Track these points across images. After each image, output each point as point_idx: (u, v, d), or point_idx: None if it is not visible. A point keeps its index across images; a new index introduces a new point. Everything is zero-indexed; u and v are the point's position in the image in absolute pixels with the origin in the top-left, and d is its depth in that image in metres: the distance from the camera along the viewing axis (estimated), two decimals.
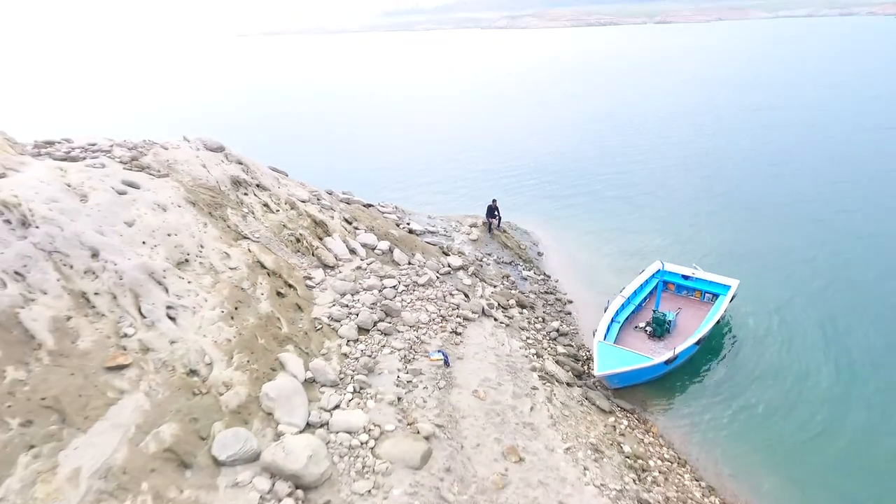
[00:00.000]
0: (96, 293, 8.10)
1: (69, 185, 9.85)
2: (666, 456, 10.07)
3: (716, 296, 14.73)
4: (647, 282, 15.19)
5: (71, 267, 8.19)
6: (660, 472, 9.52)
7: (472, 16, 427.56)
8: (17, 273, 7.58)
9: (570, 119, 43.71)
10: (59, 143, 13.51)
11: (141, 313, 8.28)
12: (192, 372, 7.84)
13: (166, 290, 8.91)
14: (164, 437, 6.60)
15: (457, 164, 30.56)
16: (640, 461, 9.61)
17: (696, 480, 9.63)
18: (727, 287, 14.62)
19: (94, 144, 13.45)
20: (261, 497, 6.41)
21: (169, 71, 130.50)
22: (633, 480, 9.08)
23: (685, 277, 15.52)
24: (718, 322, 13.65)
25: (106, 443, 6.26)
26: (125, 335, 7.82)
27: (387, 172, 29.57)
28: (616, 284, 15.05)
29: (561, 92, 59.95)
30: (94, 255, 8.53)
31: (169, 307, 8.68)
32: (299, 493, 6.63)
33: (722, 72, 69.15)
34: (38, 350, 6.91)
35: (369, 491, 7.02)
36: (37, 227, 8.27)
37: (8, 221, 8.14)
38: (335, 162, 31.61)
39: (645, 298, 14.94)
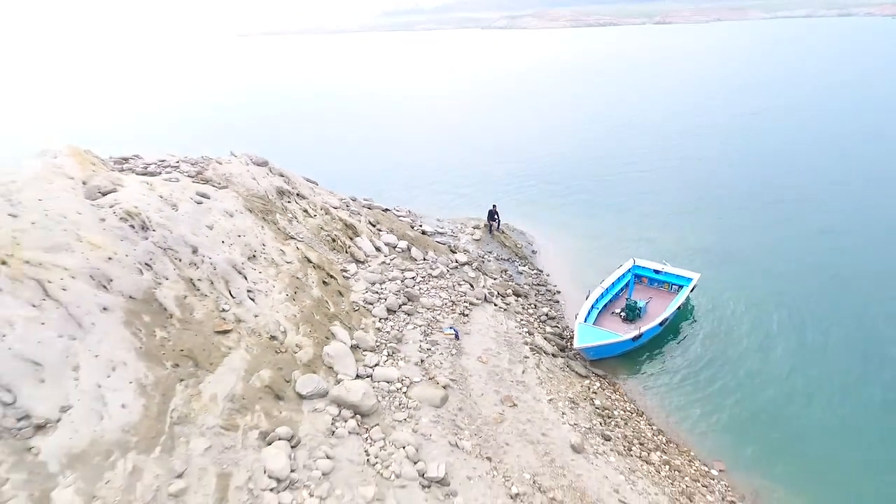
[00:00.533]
0: (199, 279, 10.96)
1: (162, 197, 12.68)
2: (627, 408, 12.95)
3: (681, 287, 17.60)
4: (623, 276, 18.04)
5: (180, 260, 11.04)
6: (621, 418, 12.39)
7: (472, 15, 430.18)
8: (146, 264, 10.43)
9: (566, 122, 46.56)
10: (131, 159, 16.39)
11: (231, 294, 11.15)
12: (273, 337, 10.69)
13: (245, 278, 11.77)
14: (264, 378, 9.46)
15: (459, 169, 33.38)
16: (606, 411, 12.49)
17: (650, 425, 12.51)
18: (689, 279, 17.50)
19: (163, 161, 16.30)
20: (332, 418, 9.27)
21: (171, 71, 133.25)
22: (600, 423, 11.96)
23: (656, 272, 18.37)
24: (680, 308, 16.53)
25: (227, 380, 9.12)
26: (223, 310, 10.67)
27: (391, 174, 32.36)
28: (597, 277, 17.91)
29: (558, 94, 62.77)
30: (194, 251, 11.40)
31: (248, 291, 11.54)
32: (358, 417, 9.49)
33: (715, 74, 71.95)
34: (171, 318, 9.77)
35: (405, 419, 9.88)
36: (153, 231, 11.11)
37: (132, 226, 10.99)
38: (341, 164, 34.35)
39: (621, 289, 17.79)
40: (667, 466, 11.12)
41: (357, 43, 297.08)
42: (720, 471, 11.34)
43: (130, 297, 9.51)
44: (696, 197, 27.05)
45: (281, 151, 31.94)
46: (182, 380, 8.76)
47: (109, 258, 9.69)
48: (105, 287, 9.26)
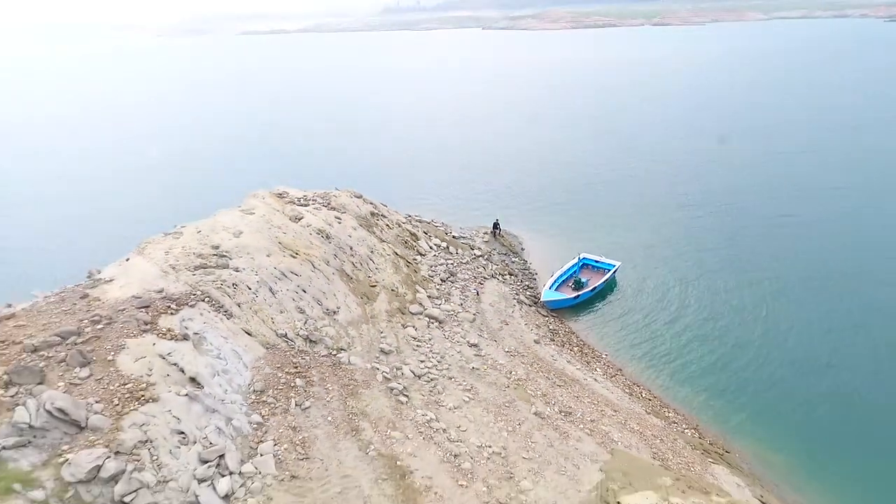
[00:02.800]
0: (357, 263, 23.10)
1: (325, 220, 24.87)
2: (566, 330, 25.11)
3: (608, 270, 29.68)
4: (575, 263, 30.12)
5: (345, 253, 23.18)
6: (562, 334, 24.54)
7: (473, 14, 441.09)
8: (334, 255, 22.54)
9: (558, 133, 58.47)
10: (285, 193, 28.46)
11: (370, 269, 23.31)
12: (393, 289, 22.85)
13: (372, 261, 23.95)
14: (394, 305, 21.62)
15: (470, 184, 45.36)
16: (553, 331, 24.66)
17: (577, 337, 24.64)
18: (614, 265, 29.60)
19: (305, 195, 28.40)
20: (427, 322, 21.43)
21: (176, 70, 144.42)
22: (550, 336, 24.11)
23: (596, 261, 30.46)
24: (607, 282, 28.65)
25: (381, 306, 21.24)
26: (369, 276, 22.81)
27: (397, 178, 44.26)
28: (560, 264, 29.97)
29: (553, 99, 74.55)
30: (350, 248, 23.56)
31: (378, 268, 23.71)
32: (437, 322, 21.65)
33: (707, 77, 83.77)
34: (352, 280, 21.92)
35: (457, 325, 22.05)
36: (332, 239, 23.27)
37: (321, 236, 23.12)
38: (353, 168, 46.22)
39: (574, 271, 29.87)
40: (580, 352, 23.28)
41: (359, 42, 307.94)
42: (606, 355, 23.45)
43: (334, 269, 21.72)
44: (631, 205, 39.14)
45: (289, 153, 43.55)
46: (366, 303, 20.94)
47: (325, 252, 21.90)
48: (327, 264, 21.46)
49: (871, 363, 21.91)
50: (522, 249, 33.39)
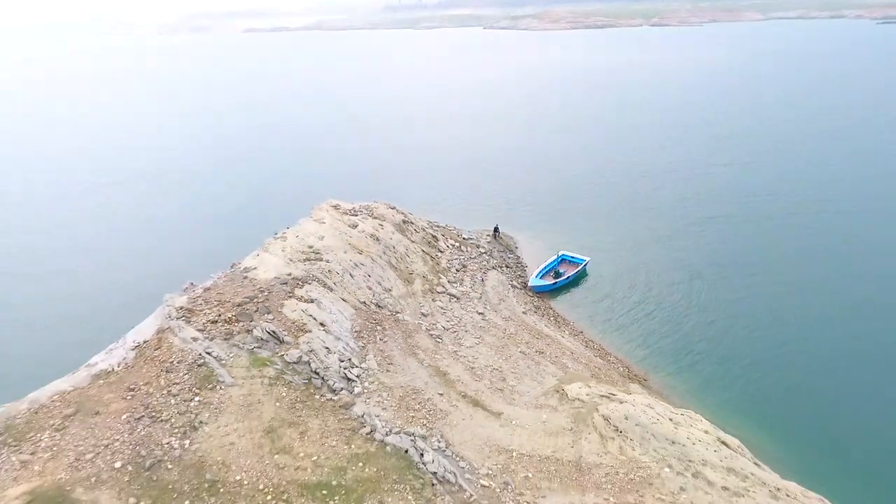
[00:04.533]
0: (400, 257, 33.50)
1: (373, 227, 35.30)
2: (544, 306, 35.53)
3: (581, 263, 40.05)
4: (556, 258, 40.51)
5: (390, 251, 33.57)
6: (543, 309, 34.95)
7: (474, 12, 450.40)
8: (384, 253, 32.90)
9: (555, 141, 68.69)
10: (338, 205, 38.89)
11: (407, 262, 33.71)
12: (423, 277, 33.23)
13: (409, 258, 34.34)
14: (426, 288, 32.03)
15: (474, 191, 55.61)
16: (539, 310, 35.07)
17: (556, 312, 35.07)
18: (584, 259, 40.03)
19: (353, 207, 38.78)
20: (448, 298, 31.83)
21: (183, 69, 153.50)
22: (534, 310, 34.51)
23: (572, 257, 40.86)
24: (578, 273, 39.05)
25: (417, 287, 31.65)
26: (407, 267, 33.21)
27: (419, 188, 54.50)
28: (545, 259, 40.30)
29: (549, 104, 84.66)
30: (394, 247, 33.96)
31: (412, 261, 34.10)
32: (455, 298, 32.06)
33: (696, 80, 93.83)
34: (397, 269, 32.30)
35: (470, 300, 32.45)
36: (380, 240, 33.64)
37: (373, 238, 33.47)
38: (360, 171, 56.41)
39: (555, 265, 40.23)
40: (554, 320, 33.68)
41: (364, 42, 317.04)
42: (572, 322, 33.82)
43: (385, 262, 32.15)
44: (604, 211, 49.43)
45: (292, 155, 53.58)
46: (408, 285, 31.35)
47: (377, 249, 32.36)
48: (380, 258, 31.89)
49: (765, 315, 32.30)
50: (516, 248, 43.78)
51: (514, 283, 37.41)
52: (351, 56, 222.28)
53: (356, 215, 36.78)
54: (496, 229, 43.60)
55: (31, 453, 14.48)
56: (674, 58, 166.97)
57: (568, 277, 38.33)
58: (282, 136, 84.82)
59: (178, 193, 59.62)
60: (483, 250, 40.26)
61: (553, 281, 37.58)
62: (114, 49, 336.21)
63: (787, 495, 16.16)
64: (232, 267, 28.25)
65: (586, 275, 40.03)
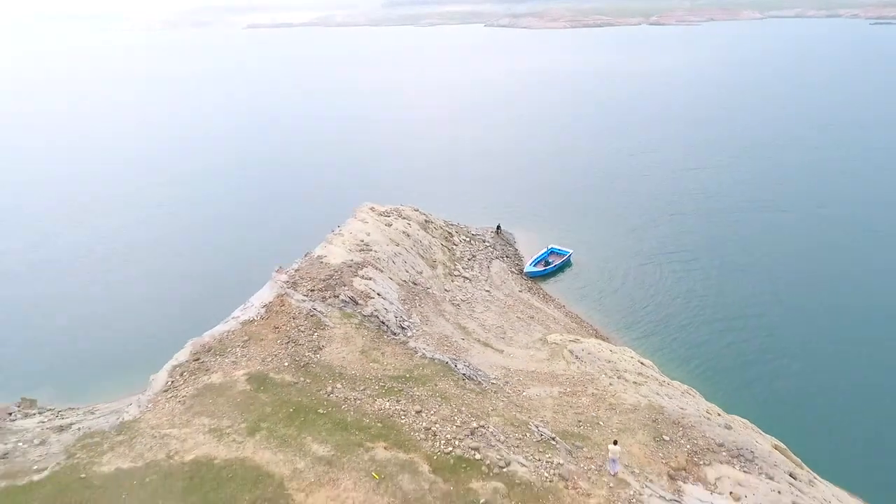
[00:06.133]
0: (425, 247, 44.62)
1: (403, 225, 46.44)
2: (540, 291, 46.70)
3: (566, 255, 51.20)
4: (546, 251, 51.64)
5: (417, 245, 44.68)
6: (535, 289, 46.13)
7: (475, 9, 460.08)
8: (414, 246, 43.99)
9: (546, 147, 79.60)
10: (374, 207, 50.11)
11: (431, 254, 44.85)
12: (443, 264, 44.36)
13: (431, 249, 45.48)
14: (446, 272, 43.19)
15: (479, 195, 66.58)
16: (532, 290, 46.23)
17: (545, 292, 46.22)
18: (568, 252, 51.21)
19: (386, 210, 49.94)
20: (463, 280, 42.98)
21: (187, 65, 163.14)
22: (529, 290, 45.68)
23: (559, 249, 52.03)
24: (563, 262, 50.22)
25: (440, 272, 42.83)
26: (431, 256, 44.33)
27: (436, 191, 65.44)
28: (537, 252, 51.38)
29: (546, 107, 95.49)
30: (420, 241, 45.09)
31: (434, 252, 45.23)
32: (469, 279, 43.23)
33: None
34: (424, 259, 43.41)
35: (479, 283, 43.60)
36: (410, 235, 44.75)
37: (403, 234, 44.56)
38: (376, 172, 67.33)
39: (545, 256, 51.35)
40: (543, 297, 44.84)
41: (367, 38, 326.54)
42: (556, 299, 44.98)
43: (415, 253, 43.33)
44: (589, 210, 60.47)
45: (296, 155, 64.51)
46: (432, 270, 42.49)
47: (409, 243, 43.55)
48: (412, 249, 43.04)
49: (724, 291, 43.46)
50: (515, 242, 54.95)
51: (513, 269, 48.58)
52: (365, 58, 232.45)
53: (389, 216, 47.86)
54: (498, 227, 54.71)
55: (234, 360, 25.47)
56: (668, 60, 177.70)
57: (555, 266, 49.49)
58: (314, 142, 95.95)
59: (235, 194, 70.76)
60: (488, 244, 51.40)
61: (543, 268, 48.73)
62: (124, 46, 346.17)
63: (671, 386, 27.23)
64: (306, 255, 39.30)
65: (570, 264, 51.15)
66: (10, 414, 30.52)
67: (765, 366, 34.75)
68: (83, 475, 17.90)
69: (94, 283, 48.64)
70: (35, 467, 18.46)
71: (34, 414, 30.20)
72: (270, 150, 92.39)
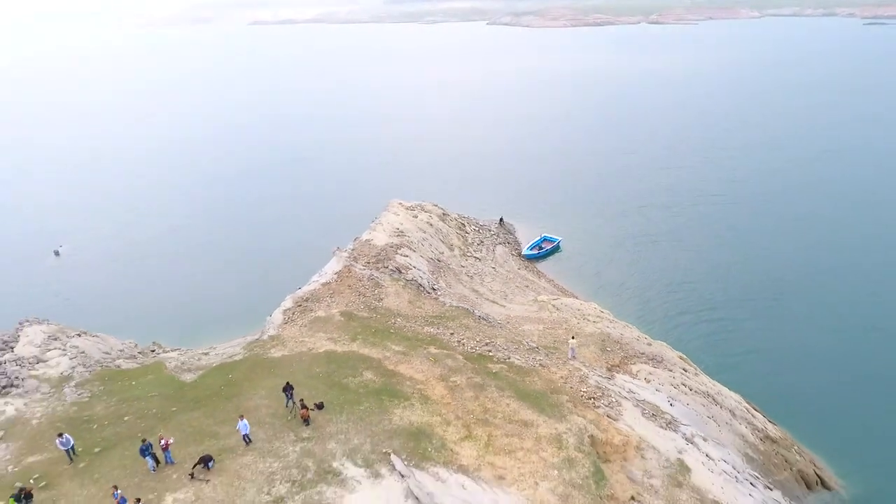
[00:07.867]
0: (446, 234, 58.32)
1: (427, 218, 60.18)
2: (535, 269, 60.41)
3: (556, 241, 64.91)
4: (540, 238, 65.35)
5: (438, 234, 58.37)
6: (533, 269, 59.84)
7: (477, 6, 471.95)
8: (436, 233, 57.64)
9: (542, 145, 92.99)
10: (402, 202, 63.87)
11: (451, 240, 58.58)
12: (459, 248, 58.08)
13: (449, 237, 59.23)
14: (461, 252, 56.97)
15: (485, 191, 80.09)
16: (528, 268, 59.96)
17: (542, 271, 59.94)
18: (558, 238, 64.95)
19: (412, 205, 63.66)
20: (473, 260, 56.74)
21: (189, 63, 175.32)
22: (526, 268, 59.38)
23: (551, 237, 65.73)
24: (554, 247, 63.97)
25: (457, 252, 56.55)
26: (450, 240, 58.07)
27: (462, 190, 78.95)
28: (532, 238, 65.04)
29: (546, 107, 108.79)
30: (441, 231, 58.78)
31: (451, 239, 58.95)
32: (479, 260, 57.00)
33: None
34: (451, 247, 57.11)
35: (487, 261, 57.35)
36: (433, 227, 58.43)
37: (428, 225, 58.21)
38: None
39: (539, 242, 65.02)
40: (537, 273, 58.54)
41: (371, 34, 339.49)
42: (548, 275, 58.62)
43: (437, 238, 57.09)
44: (578, 203, 74.05)
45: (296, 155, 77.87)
46: (451, 252, 56.24)
47: (432, 231, 57.33)
48: (435, 235, 56.81)
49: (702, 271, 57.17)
50: (515, 231, 68.71)
51: (513, 253, 62.33)
52: (372, 55, 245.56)
53: (414, 210, 61.62)
54: (501, 220, 68.52)
55: (327, 304, 39.13)
56: (663, 59, 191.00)
57: (547, 250, 63.24)
58: (337, 140, 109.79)
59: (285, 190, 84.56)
60: (493, 233, 65.14)
61: (538, 252, 62.45)
62: (122, 45, 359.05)
63: (618, 323, 40.96)
64: (355, 239, 52.98)
65: (560, 249, 64.85)
66: (153, 351, 44.32)
67: (680, 306, 49.28)
68: (265, 357, 31.67)
69: (194, 263, 62.95)
70: (237, 357, 32.29)
71: (169, 350, 43.96)
72: (302, 149, 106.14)
